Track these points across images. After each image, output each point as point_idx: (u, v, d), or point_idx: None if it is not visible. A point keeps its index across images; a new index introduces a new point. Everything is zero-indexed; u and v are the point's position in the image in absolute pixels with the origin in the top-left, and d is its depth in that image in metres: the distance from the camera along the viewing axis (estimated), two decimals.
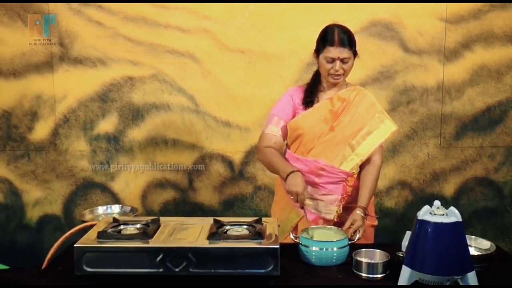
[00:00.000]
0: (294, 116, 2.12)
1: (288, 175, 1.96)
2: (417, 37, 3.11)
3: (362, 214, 1.95)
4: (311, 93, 2.12)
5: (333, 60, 2.00)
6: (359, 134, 2.07)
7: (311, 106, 2.10)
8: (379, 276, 1.60)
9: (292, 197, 1.94)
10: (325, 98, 2.11)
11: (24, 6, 3.08)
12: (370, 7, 3.07)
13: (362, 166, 2.11)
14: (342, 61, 2.00)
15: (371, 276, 1.60)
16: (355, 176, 2.12)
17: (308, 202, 2.05)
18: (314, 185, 2.09)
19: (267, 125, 2.15)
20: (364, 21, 3.08)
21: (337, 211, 2.09)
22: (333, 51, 1.98)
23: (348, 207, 2.10)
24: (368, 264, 1.62)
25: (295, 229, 2.08)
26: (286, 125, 2.12)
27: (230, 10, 3.07)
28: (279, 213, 2.17)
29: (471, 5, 3.09)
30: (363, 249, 1.72)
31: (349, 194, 2.11)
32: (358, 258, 1.64)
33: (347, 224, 1.92)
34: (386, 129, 2.10)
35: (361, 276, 1.61)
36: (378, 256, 1.69)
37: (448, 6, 3.08)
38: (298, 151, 2.12)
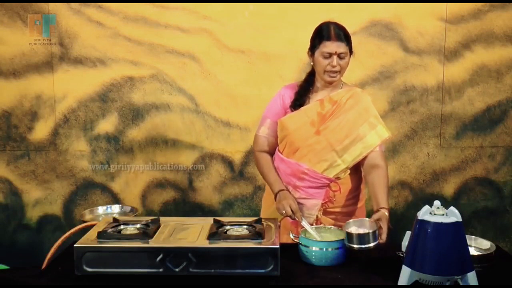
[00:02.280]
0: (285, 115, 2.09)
1: (276, 194, 2.02)
2: (417, 37, 3.11)
3: (387, 214, 1.80)
4: (301, 95, 2.07)
5: (330, 56, 1.95)
6: (346, 140, 1.99)
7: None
8: (371, 245, 1.67)
9: (283, 213, 1.95)
10: (316, 100, 2.06)
11: (24, 6, 3.08)
12: (370, 7, 3.07)
13: (367, 172, 2.01)
14: (339, 56, 1.95)
15: (363, 246, 1.66)
16: (340, 181, 2.05)
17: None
18: (295, 188, 2.05)
19: (260, 126, 2.15)
20: (364, 21, 3.08)
21: (317, 216, 2.05)
22: (330, 46, 1.94)
23: (330, 211, 2.07)
24: (359, 235, 1.67)
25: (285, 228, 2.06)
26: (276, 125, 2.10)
27: (230, 10, 3.07)
28: (267, 208, 2.16)
29: (471, 5, 3.08)
30: (351, 220, 1.79)
31: (333, 199, 2.05)
32: (349, 231, 1.69)
33: (375, 217, 1.77)
34: (377, 135, 2.01)
35: (353, 247, 1.67)
36: (367, 225, 1.74)
37: (448, 6, 3.08)
38: (285, 152, 2.10)
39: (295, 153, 2.05)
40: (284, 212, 1.94)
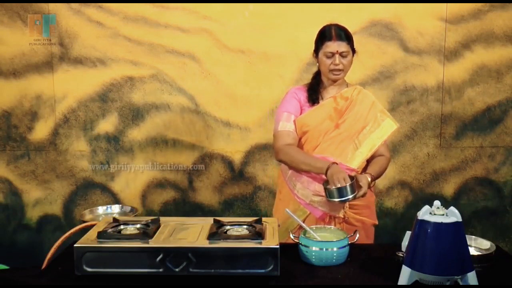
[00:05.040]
0: (301, 113, 2.14)
1: (327, 169, 1.97)
2: (417, 37, 3.11)
3: (369, 179, 2.02)
4: (315, 91, 2.15)
5: (332, 55, 2.05)
6: (363, 132, 2.12)
7: (317, 103, 2.13)
8: (350, 197, 1.89)
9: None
10: (328, 97, 2.15)
11: (24, 6, 3.08)
12: (370, 7, 3.07)
13: (370, 160, 2.16)
14: (341, 55, 2.05)
15: (343, 198, 1.90)
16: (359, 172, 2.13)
17: (314, 199, 2.11)
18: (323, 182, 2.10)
19: (278, 123, 2.15)
20: (364, 21, 3.08)
21: (343, 208, 2.11)
22: (331, 46, 2.04)
23: (352, 204, 2.11)
24: (338, 189, 1.88)
25: (301, 227, 2.06)
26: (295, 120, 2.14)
27: (230, 10, 3.07)
28: (284, 211, 2.16)
29: (471, 5, 3.09)
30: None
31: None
32: (329, 187, 1.91)
33: (354, 174, 2.00)
34: (387, 127, 2.15)
35: (335, 201, 1.92)
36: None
37: (448, 6, 3.08)
38: (304, 149, 2.14)
39: (315, 149, 2.11)
40: (339, 185, 1.92)
